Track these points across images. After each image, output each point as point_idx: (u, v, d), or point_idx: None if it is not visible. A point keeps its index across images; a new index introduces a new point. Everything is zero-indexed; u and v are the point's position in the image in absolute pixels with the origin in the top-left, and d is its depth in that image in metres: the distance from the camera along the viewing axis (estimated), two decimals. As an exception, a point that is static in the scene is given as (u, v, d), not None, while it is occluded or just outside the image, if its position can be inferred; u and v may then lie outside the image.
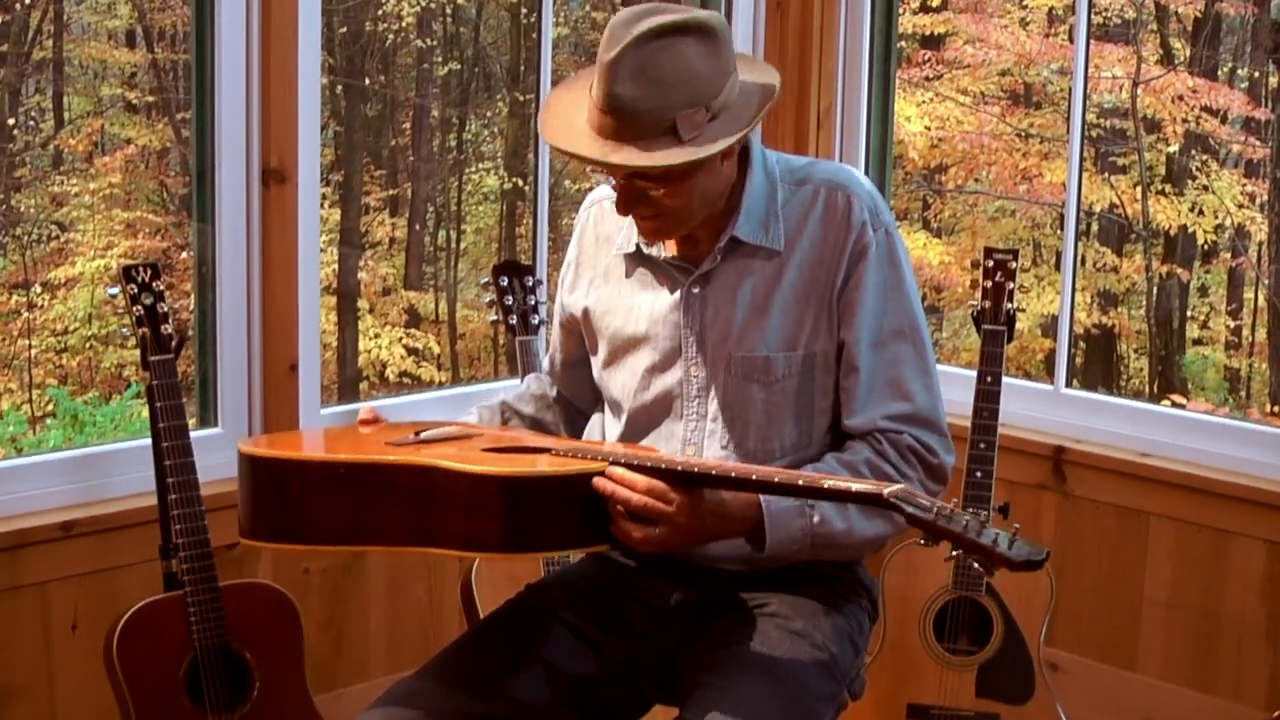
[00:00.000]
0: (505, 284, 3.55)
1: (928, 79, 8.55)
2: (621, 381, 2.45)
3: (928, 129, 8.40)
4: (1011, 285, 3.40)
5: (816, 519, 2.23)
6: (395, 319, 8.40)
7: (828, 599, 2.39)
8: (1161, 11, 8.47)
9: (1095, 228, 8.48)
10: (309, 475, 2.20)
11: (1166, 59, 8.41)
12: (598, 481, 2.11)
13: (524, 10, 8.59)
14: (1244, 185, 8.28)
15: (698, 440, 2.38)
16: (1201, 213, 8.15)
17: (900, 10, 4.30)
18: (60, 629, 3.17)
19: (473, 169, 9.03)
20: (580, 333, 2.54)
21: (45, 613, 3.15)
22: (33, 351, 7.54)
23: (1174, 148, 8.28)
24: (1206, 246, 8.41)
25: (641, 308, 2.42)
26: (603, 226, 2.50)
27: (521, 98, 8.58)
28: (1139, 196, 8.28)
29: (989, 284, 3.41)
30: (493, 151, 9.05)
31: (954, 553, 1.92)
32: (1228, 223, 8.22)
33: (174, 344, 2.98)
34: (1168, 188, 8.31)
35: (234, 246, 3.36)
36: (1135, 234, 8.41)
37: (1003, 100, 8.70)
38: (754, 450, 2.36)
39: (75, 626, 3.19)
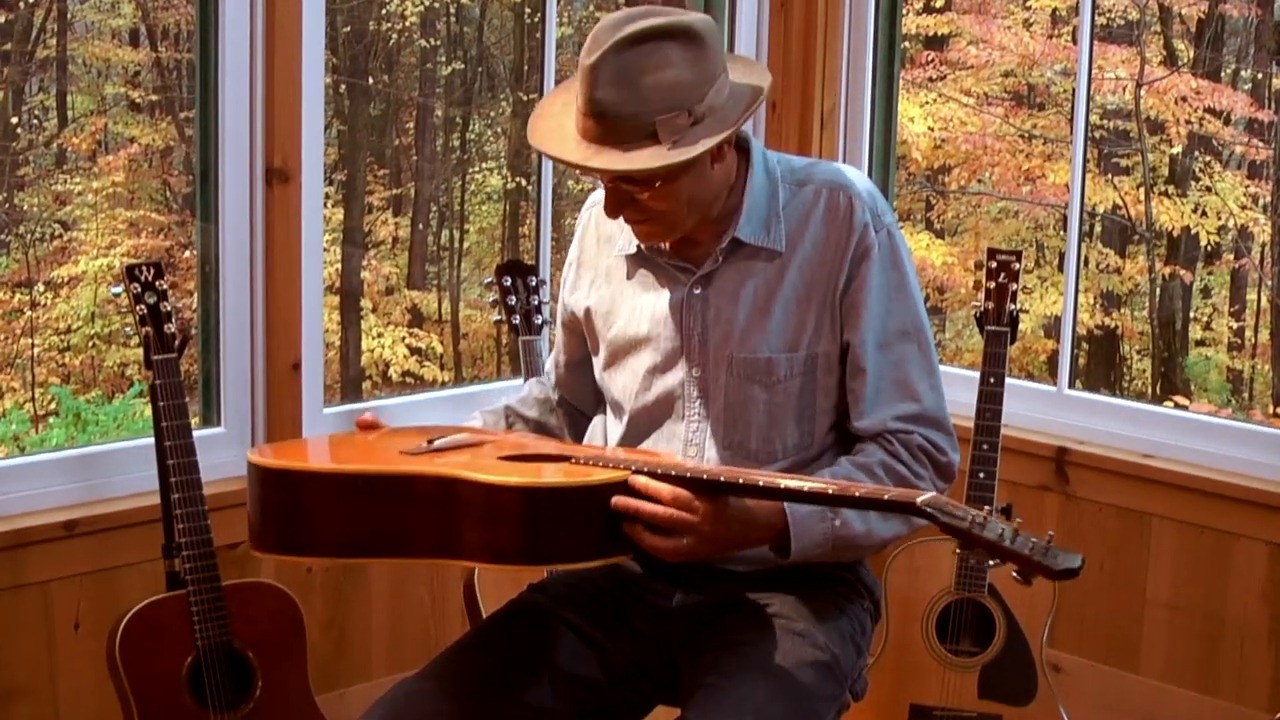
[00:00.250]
0: (508, 284, 3.55)
1: (931, 80, 8.55)
2: (623, 383, 2.45)
3: (931, 130, 8.40)
4: (1015, 286, 3.40)
5: (838, 522, 2.23)
6: (398, 318, 8.40)
7: (830, 600, 2.39)
8: (1165, 13, 8.47)
9: (1098, 229, 8.48)
10: (325, 486, 2.16)
11: (1170, 60, 8.41)
12: (620, 497, 2.09)
13: (528, 10, 8.59)
14: (1247, 186, 8.28)
15: (699, 441, 2.38)
16: (1204, 214, 8.15)
17: (904, 11, 4.30)
18: (63, 628, 3.17)
19: (476, 169, 9.03)
20: (582, 333, 2.54)
21: (48, 612, 3.15)
22: (35, 350, 7.55)
23: (1177, 149, 8.28)
24: (1209, 248, 8.41)
25: (643, 309, 2.42)
26: (604, 227, 2.50)
27: (525, 98, 8.58)
28: (1142, 198, 8.28)
29: (992, 285, 3.41)
30: (496, 151, 9.05)
31: (993, 562, 1.91)
32: (1231, 224, 8.22)
33: (177, 343, 2.98)
34: (1171, 189, 8.30)
35: (237, 246, 3.36)
36: (1138, 235, 8.41)
37: (1006, 101, 8.70)
38: (755, 451, 2.36)
39: (78, 626, 3.19)
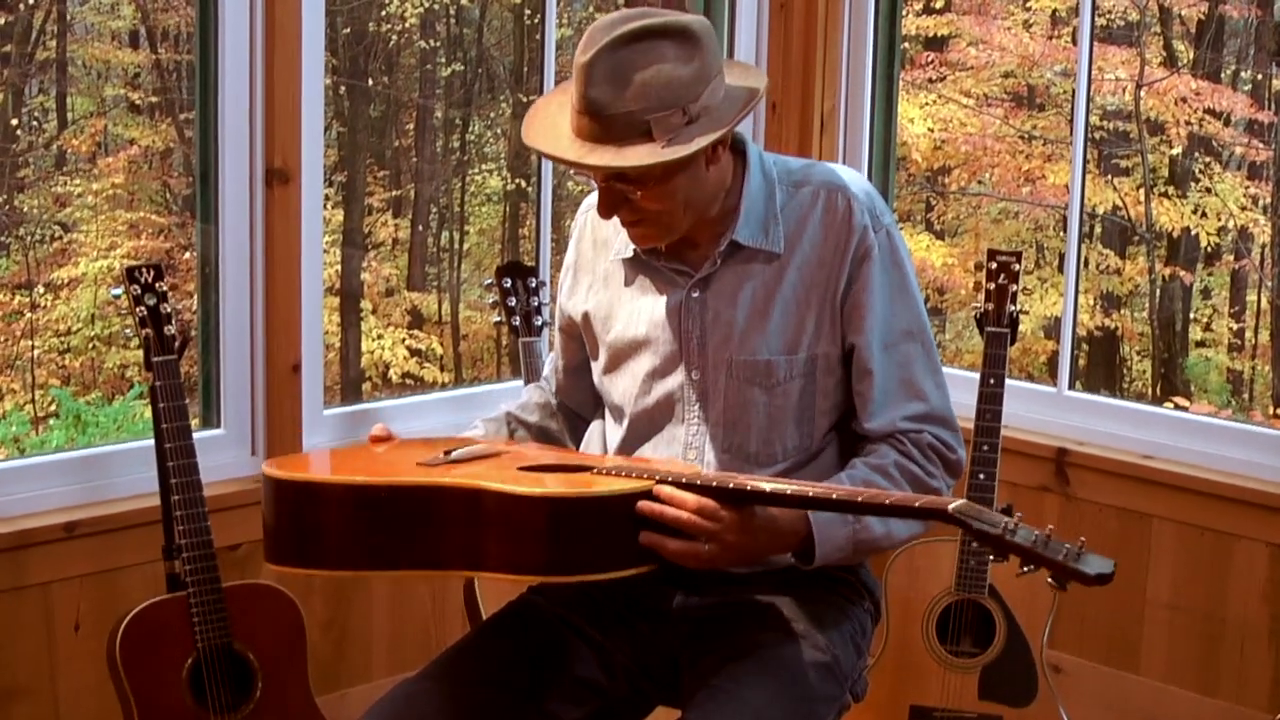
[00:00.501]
0: (508, 285, 3.55)
1: (931, 81, 8.55)
2: (622, 386, 2.45)
3: (931, 131, 8.40)
4: (1015, 287, 3.40)
5: (858, 525, 2.24)
6: (398, 320, 8.40)
7: (830, 601, 2.39)
8: (1165, 14, 8.47)
9: (1098, 230, 8.48)
10: (345, 499, 2.13)
11: (1170, 61, 8.41)
12: (644, 504, 2.09)
13: (527, 11, 8.59)
14: (1247, 187, 8.28)
15: (699, 444, 2.38)
16: (1204, 215, 8.15)
17: (904, 12, 4.30)
18: (63, 629, 3.17)
19: (476, 170, 9.03)
20: (581, 337, 2.54)
21: (48, 613, 3.15)
22: (36, 352, 7.54)
23: (1177, 150, 8.28)
24: (1209, 249, 8.41)
25: (641, 312, 2.41)
26: (600, 231, 2.49)
27: (525, 99, 8.57)
28: (1142, 199, 8.28)
29: (992, 286, 3.41)
30: (496, 153, 9.05)
31: (1025, 568, 1.90)
32: (1231, 225, 8.22)
33: (177, 345, 2.98)
34: (1171, 190, 8.31)
35: (237, 247, 3.36)
36: (1138, 236, 8.41)
37: (1006, 102, 8.70)
38: (756, 453, 2.36)
39: (78, 627, 3.19)
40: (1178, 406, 6.85)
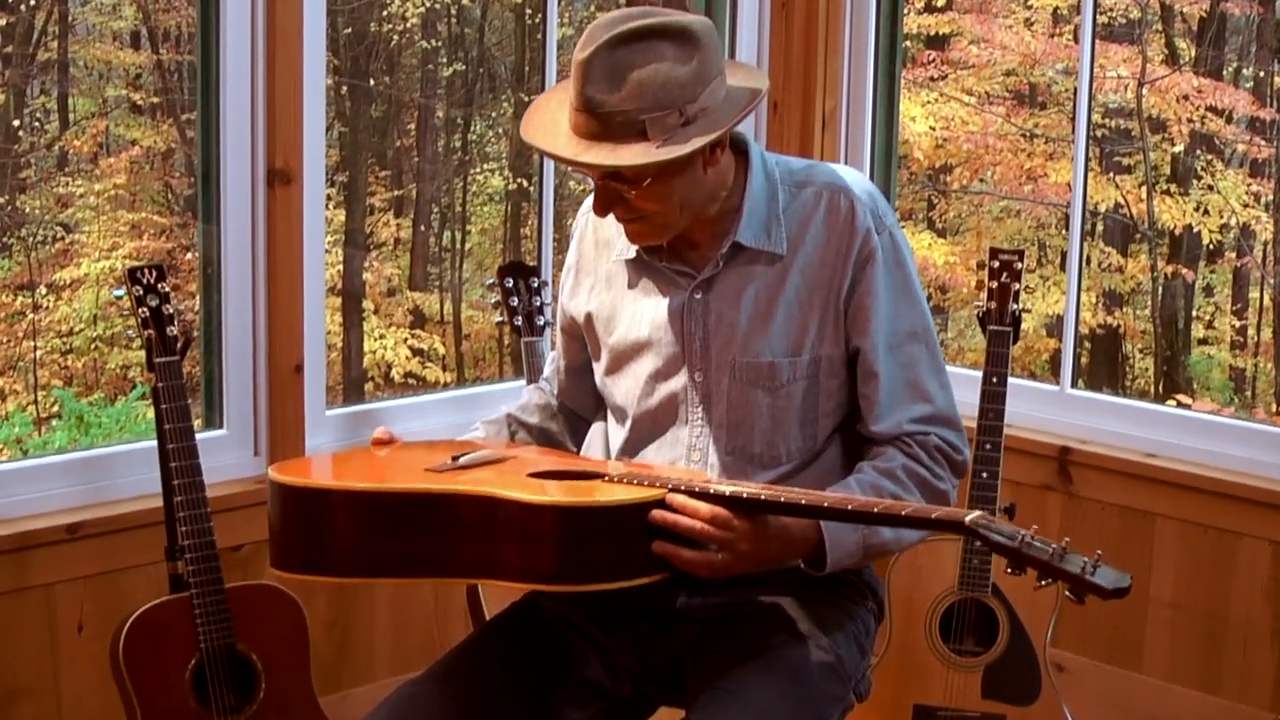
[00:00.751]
0: (510, 285, 3.55)
1: (933, 79, 8.55)
2: (625, 388, 2.44)
3: (933, 129, 8.40)
4: (1017, 286, 3.40)
5: (868, 530, 2.23)
6: (400, 320, 8.40)
7: (834, 601, 2.39)
8: (1166, 11, 8.47)
9: (1100, 228, 8.48)
10: (353, 505, 2.12)
11: (1171, 59, 8.41)
12: (658, 512, 2.09)
13: (529, 11, 8.59)
14: (1249, 185, 8.28)
15: (703, 446, 2.38)
16: (1207, 212, 8.15)
17: (905, 11, 4.30)
18: (66, 630, 3.18)
19: (477, 170, 9.03)
20: (582, 338, 2.54)
21: (51, 614, 3.16)
22: (38, 353, 7.55)
23: (1179, 147, 8.28)
24: (1212, 246, 8.40)
25: (644, 313, 2.41)
26: (602, 231, 2.49)
27: (526, 98, 8.57)
28: (1144, 196, 8.27)
29: (994, 285, 3.40)
30: (497, 152, 9.05)
31: (1043, 581, 1.90)
32: (1233, 222, 8.22)
33: (179, 346, 2.98)
34: (1173, 187, 8.30)
35: (239, 247, 3.36)
36: (1140, 234, 8.40)
37: (1008, 100, 8.70)
38: (759, 455, 2.36)
39: (81, 628, 3.19)
40: (1180, 404, 6.85)
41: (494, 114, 9.06)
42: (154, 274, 2.99)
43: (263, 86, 3.32)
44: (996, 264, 3.41)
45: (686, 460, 2.38)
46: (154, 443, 3.05)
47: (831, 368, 2.35)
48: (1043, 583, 1.90)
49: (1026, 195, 8.53)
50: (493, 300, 3.60)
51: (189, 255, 7.43)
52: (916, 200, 9.10)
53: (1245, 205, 8.18)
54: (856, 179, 2.39)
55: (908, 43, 8.35)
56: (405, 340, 8.22)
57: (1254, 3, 8.31)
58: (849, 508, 2.05)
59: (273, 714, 3.06)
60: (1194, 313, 8.65)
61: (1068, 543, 1.88)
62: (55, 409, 7.43)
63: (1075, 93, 4.11)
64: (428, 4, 8.43)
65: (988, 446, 3.33)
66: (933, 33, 8.55)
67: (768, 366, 2.33)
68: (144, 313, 2.97)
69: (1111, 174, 8.34)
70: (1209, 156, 8.35)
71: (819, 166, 2.42)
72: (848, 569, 2.40)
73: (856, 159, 4.24)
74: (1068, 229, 4.10)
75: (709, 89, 2.19)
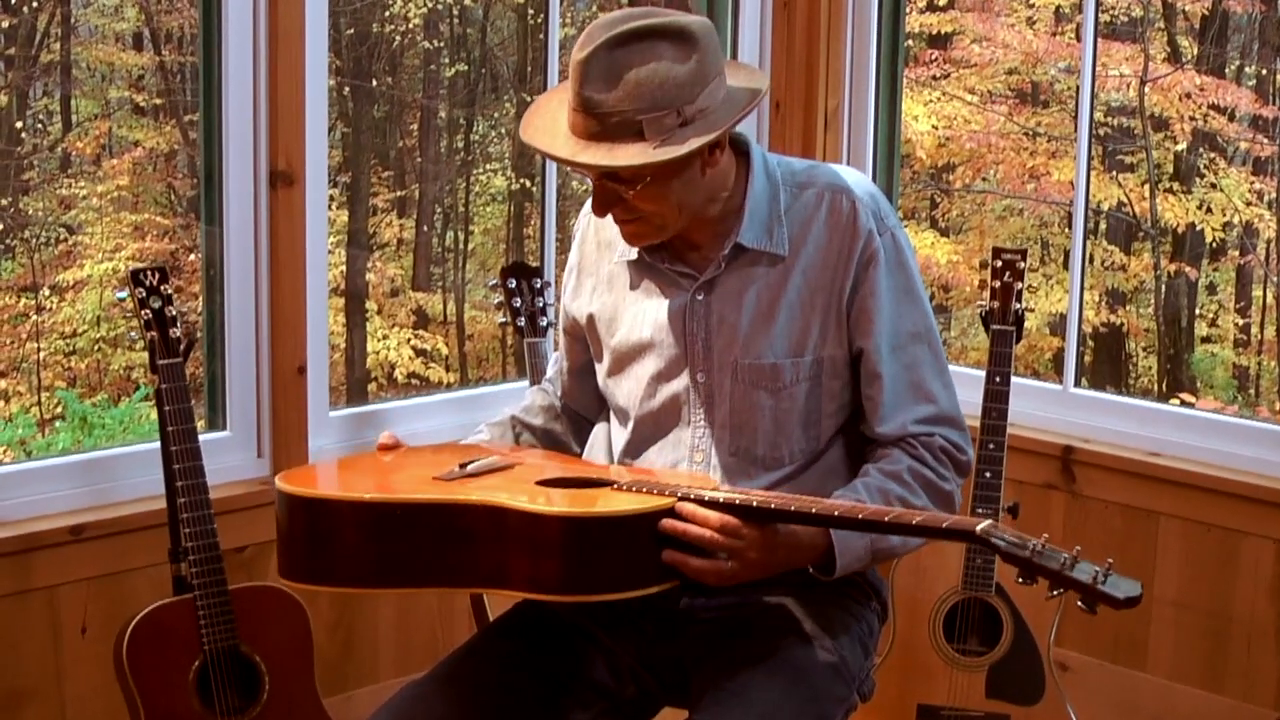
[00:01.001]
0: (513, 286, 3.55)
1: (935, 78, 8.54)
2: (627, 389, 2.44)
3: (935, 128, 8.39)
4: (1020, 285, 3.40)
5: (875, 534, 2.23)
6: (403, 320, 8.40)
7: (837, 601, 2.39)
8: (1169, 9, 8.46)
9: (1103, 226, 8.47)
10: (361, 515, 2.11)
11: (1174, 57, 8.40)
12: (668, 521, 2.09)
13: (531, 11, 8.59)
14: (1252, 183, 8.27)
15: (705, 447, 2.37)
16: (1209, 210, 8.14)
17: (907, 9, 4.29)
18: (70, 632, 3.18)
19: (480, 170, 9.03)
20: (585, 339, 2.54)
21: (55, 616, 3.16)
22: (41, 354, 7.55)
23: (1182, 145, 8.27)
24: (1215, 244, 8.40)
25: (646, 315, 2.41)
26: (603, 232, 2.49)
27: (529, 99, 8.53)
28: (1147, 195, 8.26)
29: (997, 284, 3.40)
30: (500, 152, 9.05)
31: (1055, 591, 1.89)
32: (1236, 220, 8.21)
33: (182, 347, 2.98)
34: (1176, 186, 8.30)
35: (242, 249, 3.36)
36: (1143, 232, 8.40)
37: (1010, 99, 8.70)
38: (762, 457, 2.35)
39: (85, 630, 3.19)
40: (1184, 403, 6.85)
41: (496, 114, 9.06)
42: (156, 276, 2.99)
43: (265, 87, 3.32)
44: (999, 263, 3.41)
45: (689, 461, 2.38)
46: (157, 444, 3.06)
47: (834, 369, 2.35)
48: (1055, 593, 1.89)
49: (1029, 194, 8.53)
50: (495, 301, 3.60)
51: (192, 256, 7.43)
52: (919, 199, 9.10)
53: (1248, 203, 8.17)
54: (858, 180, 2.39)
55: (910, 42, 8.35)
56: (408, 341, 8.21)
57: (1256, 1, 8.30)
58: (860, 516, 2.05)
59: (276, 715, 3.06)
60: (1197, 311, 8.65)
61: (1079, 551, 1.87)
62: (59, 410, 7.43)
63: (1077, 91, 4.11)
64: (430, 4, 8.43)
65: (991, 446, 3.33)
66: (935, 32, 8.54)
67: (770, 368, 2.33)
68: (147, 315, 2.97)
69: (1114, 172, 8.33)
70: (1211, 154, 8.35)
71: (820, 167, 2.42)
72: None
73: (859, 158, 4.23)
74: (1070, 227, 4.10)
75: (707, 90, 2.19)
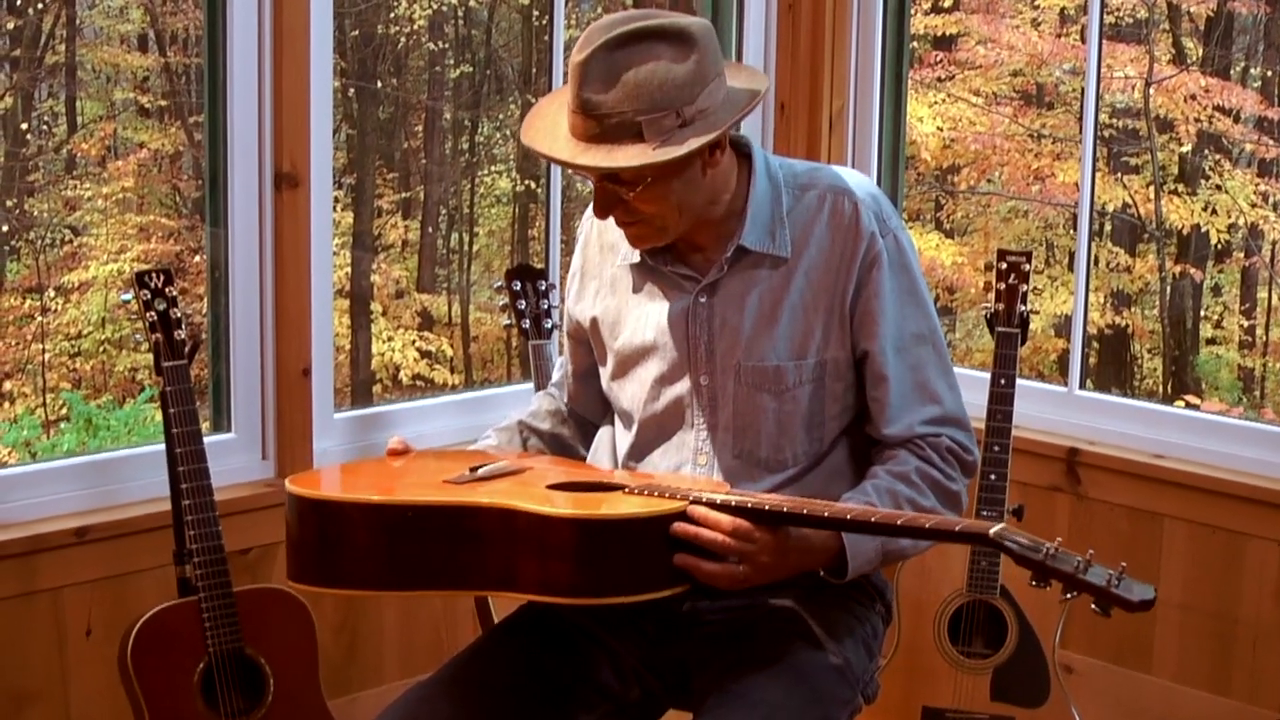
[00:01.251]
0: (518, 288, 3.55)
1: (940, 80, 8.54)
2: (631, 392, 2.44)
3: (940, 130, 8.39)
4: (1025, 288, 3.39)
5: (886, 536, 2.23)
6: (408, 322, 8.40)
7: (842, 604, 2.39)
8: (1174, 11, 8.45)
9: (1108, 228, 8.47)
10: (372, 518, 2.11)
11: (1179, 58, 8.39)
12: (679, 525, 2.09)
13: (536, 13, 8.59)
14: (1257, 184, 8.26)
15: (709, 450, 2.37)
16: (1215, 212, 8.14)
17: (912, 11, 4.29)
18: (75, 634, 3.18)
19: (485, 171, 9.03)
20: (589, 342, 2.54)
21: (60, 618, 3.16)
22: (46, 355, 7.55)
23: (1187, 147, 8.26)
24: (1220, 246, 8.39)
25: (649, 318, 2.41)
26: (606, 235, 2.49)
27: (533, 100, 8.52)
28: (1152, 196, 8.26)
29: (1002, 286, 3.40)
30: (505, 154, 9.05)
31: (1068, 595, 1.89)
32: (1241, 222, 8.20)
33: (187, 349, 2.99)
34: (1181, 187, 8.29)
35: (247, 250, 3.36)
36: (1148, 234, 8.39)
37: (1015, 101, 8.69)
38: (766, 459, 2.35)
39: (89, 632, 3.19)
40: (1189, 405, 6.84)
41: (501, 116, 9.06)
42: (161, 278, 3.00)
43: (270, 89, 3.32)
44: (1004, 265, 3.41)
45: (693, 464, 2.38)
46: (162, 446, 3.06)
47: (837, 371, 2.35)
48: (1068, 595, 1.89)
49: (1034, 195, 8.52)
50: (500, 303, 3.60)
51: (197, 258, 7.43)
52: (924, 201, 9.10)
53: (1253, 205, 8.16)
54: (860, 181, 2.39)
55: (915, 43, 8.35)
56: (413, 342, 8.21)
57: (1261, 2, 8.29)
58: (872, 519, 2.05)
59: (281, 717, 3.06)
60: (1202, 313, 8.64)
61: (1092, 555, 1.87)
62: (64, 412, 7.43)
63: (1082, 93, 4.11)
64: (435, 6, 8.43)
65: (996, 448, 3.33)
66: (940, 33, 8.54)
67: (773, 370, 2.33)
68: (151, 316, 2.97)
69: (1119, 174, 8.33)
70: (1217, 156, 8.34)
71: (822, 169, 2.42)
72: (861, 573, 2.41)
73: (864, 160, 4.23)
74: (1075, 229, 4.09)
75: (707, 90, 2.19)
